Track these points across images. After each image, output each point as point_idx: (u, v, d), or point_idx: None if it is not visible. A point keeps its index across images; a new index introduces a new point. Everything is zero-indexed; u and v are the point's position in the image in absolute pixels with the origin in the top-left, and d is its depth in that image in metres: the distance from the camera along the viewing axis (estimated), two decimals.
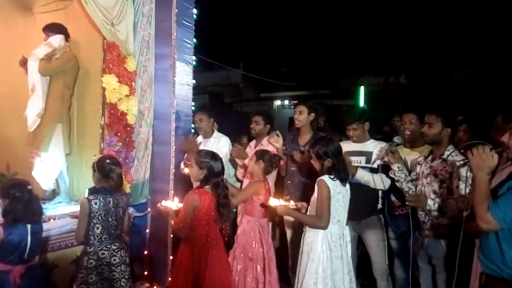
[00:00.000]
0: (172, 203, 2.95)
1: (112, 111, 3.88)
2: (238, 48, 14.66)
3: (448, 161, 2.86)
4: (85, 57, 4.17)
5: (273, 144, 3.76)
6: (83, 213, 2.85)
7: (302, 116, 3.71)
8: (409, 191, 3.05)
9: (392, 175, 3.11)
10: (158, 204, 3.04)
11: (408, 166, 3.26)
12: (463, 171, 2.77)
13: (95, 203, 2.86)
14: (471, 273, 2.60)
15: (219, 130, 4.46)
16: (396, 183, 3.10)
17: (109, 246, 2.91)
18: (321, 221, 2.79)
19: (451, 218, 2.73)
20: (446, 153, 2.89)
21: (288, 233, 3.85)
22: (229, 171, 4.15)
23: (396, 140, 3.05)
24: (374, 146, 3.36)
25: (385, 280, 3.36)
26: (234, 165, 4.19)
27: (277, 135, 3.73)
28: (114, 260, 2.91)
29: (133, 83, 3.99)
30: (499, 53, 13.77)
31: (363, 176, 3.26)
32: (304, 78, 16.12)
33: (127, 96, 3.93)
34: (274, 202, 3.04)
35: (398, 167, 3.07)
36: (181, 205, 2.92)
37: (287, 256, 3.85)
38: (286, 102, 16.44)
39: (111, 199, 2.94)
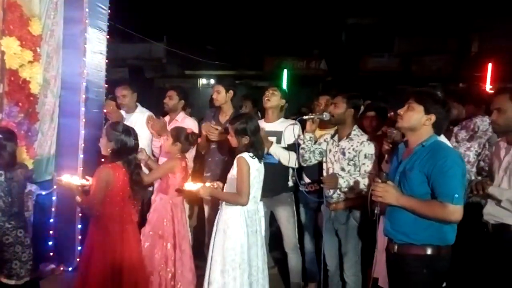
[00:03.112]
0: (74, 179, 2.77)
1: (12, 78, 3.50)
2: (161, 21, 14.07)
3: (354, 140, 3.05)
4: None
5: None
6: None
7: (220, 96, 3.69)
8: (307, 160, 3.25)
9: (301, 142, 3.25)
10: (57, 179, 2.82)
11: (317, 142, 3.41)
12: (369, 149, 2.99)
13: None
14: (376, 246, 2.81)
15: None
16: (300, 150, 3.25)
17: (1, 224, 2.67)
18: (242, 197, 2.82)
19: (357, 192, 2.93)
20: (353, 132, 3.08)
21: (206, 210, 3.84)
22: (149, 150, 4.01)
23: (324, 115, 3.16)
24: (283, 126, 3.45)
25: (295, 253, 3.51)
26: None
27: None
28: (7, 239, 2.68)
29: (37, 48, 3.63)
30: (408, 44, 14.92)
31: (276, 151, 3.34)
32: (230, 58, 16.07)
33: (30, 62, 3.56)
34: (190, 186, 2.99)
35: (310, 137, 3.23)
36: (84, 181, 2.74)
37: (204, 234, 3.85)
38: (212, 81, 16.25)
39: (1, 173, 2.69)
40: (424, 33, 14.63)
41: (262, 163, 2.98)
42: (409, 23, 14.32)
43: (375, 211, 2.22)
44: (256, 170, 2.86)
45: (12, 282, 2.69)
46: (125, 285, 2.70)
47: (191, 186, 2.97)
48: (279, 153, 3.36)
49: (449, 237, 2.20)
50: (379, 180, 2.19)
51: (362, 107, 3.40)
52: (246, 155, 2.82)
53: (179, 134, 3.27)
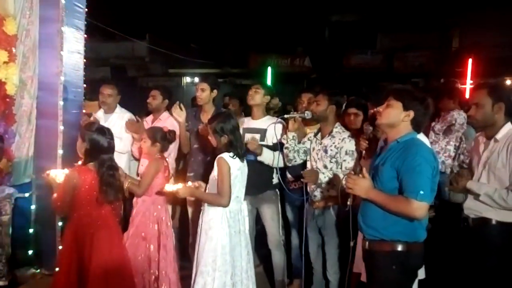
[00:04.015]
0: (62, 173, 2.72)
1: None
2: (143, 19, 13.89)
3: (336, 137, 3.06)
4: None
5: (176, 117, 3.67)
6: None
7: (205, 94, 3.67)
8: (292, 160, 3.24)
9: (284, 141, 3.24)
10: (46, 172, 2.78)
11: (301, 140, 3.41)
12: (350, 146, 3.00)
13: None
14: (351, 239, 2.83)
15: (122, 106, 4.22)
16: (284, 149, 3.24)
17: None
18: (223, 199, 2.80)
19: (340, 190, 2.91)
20: (335, 130, 3.09)
21: (190, 211, 3.81)
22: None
23: (306, 114, 3.15)
24: (268, 124, 3.44)
25: (279, 251, 3.51)
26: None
27: (181, 109, 3.64)
28: None
29: (13, 48, 3.57)
30: (391, 41, 15.04)
31: (266, 157, 3.33)
32: (214, 55, 15.99)
33: (5, 63, 3.50)
34: (170, 187, 2.96)
35: (293, 136, 3.22)
36: None
37: (188, 234, 3.81)
38: (196, 79, 16.13)
39: None
40: (406, 29, 14.77)
41: (245, 162, 2.97)
42: (391, 19, 14.45)
43: (348, 203, 2.23)
44: (237, 169, 2.84)
45: (1, 283, 2.66)
46: None
47: (171, 187, 2.95)
48: (269, 158, 3.34)
49: (418, 233, 2.20)
50: (352, 173, 2.22)
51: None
52: (226, 156, 2.80)
53: (155, 134, 3.24)
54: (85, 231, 2.66)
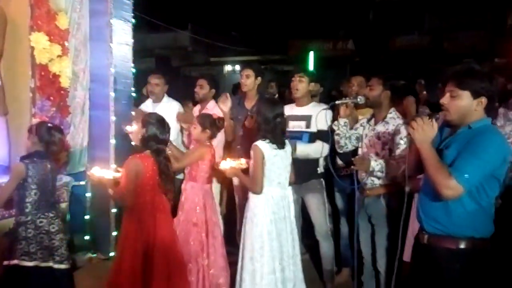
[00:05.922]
0: (105, 172, 2.79)
1: (42, 73, 3.59)
2: (185, 9, 14.05)
3: (390, 123, 2.93)
4: (13, 14, 3.75)
5: (220, 106, 3.69)
6: (15, 177, 2.72)
7: (249, 80, 3.65)
8: (344, 147, 3.15)
9: (335, 128, 3.15)
10: (88, 173, 2.87)
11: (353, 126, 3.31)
12: (405, 132, 2.85)
13: (33, 167, 2.72)
14: (408, 231, 2.73)
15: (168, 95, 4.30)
16: (335, 136, 3.15)
17: (46, 214, 2.79)
18: (254, 185, 2.85)
19: (391, 178, 2.81)
20: (389, 115, 2.95)
21: (237, 197, 3.84)
22: (178, 140, 4.03)
23: (358, 99, 3.04)
24: (314, 110, 3.35)
25: (327, 241, 3.45)
26: (183, 131, 4.06)
27: (226, 97, 3.68)
28: (53, 228, 2.80)
29: (65, 42, 3.70)
30: (440, 20, 14.27)
31: (303, 150, 3.28)
32: (255, 43, 15.95)
33: (59, 56, 3.64)
34: (224, 164, 3.00)
35: (344, 122, 3.12)
36: (117, 174, 2.78)
37: (235, 221, 3.85)
38: (237, 67, 16.17)
39: (47, 164, 2.80)
40: (455, 8, 13.97)
41: (288, 148, 2.94)
42: None
43: (406, 189, 2.10)
44: (274, 155, 2.84)
45: (64, 266, 2.82)
46: (157, 272, 2.73)
47: (225, 164, 2.99)
48: (306, 151, 3.28)
49: (486, 228, 1.99)
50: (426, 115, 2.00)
51: None
52: (260, 143, 2.81)
53: (206, 121, 3.27)
54: (149, 216, 2.74)
